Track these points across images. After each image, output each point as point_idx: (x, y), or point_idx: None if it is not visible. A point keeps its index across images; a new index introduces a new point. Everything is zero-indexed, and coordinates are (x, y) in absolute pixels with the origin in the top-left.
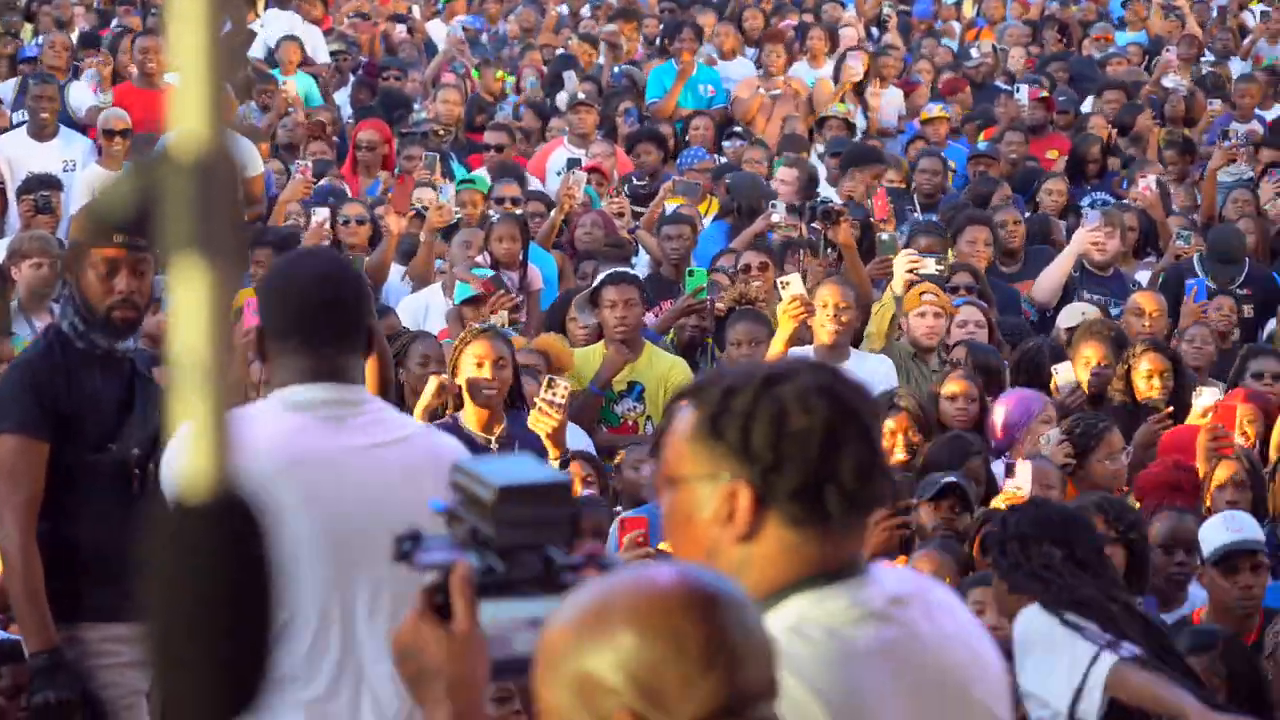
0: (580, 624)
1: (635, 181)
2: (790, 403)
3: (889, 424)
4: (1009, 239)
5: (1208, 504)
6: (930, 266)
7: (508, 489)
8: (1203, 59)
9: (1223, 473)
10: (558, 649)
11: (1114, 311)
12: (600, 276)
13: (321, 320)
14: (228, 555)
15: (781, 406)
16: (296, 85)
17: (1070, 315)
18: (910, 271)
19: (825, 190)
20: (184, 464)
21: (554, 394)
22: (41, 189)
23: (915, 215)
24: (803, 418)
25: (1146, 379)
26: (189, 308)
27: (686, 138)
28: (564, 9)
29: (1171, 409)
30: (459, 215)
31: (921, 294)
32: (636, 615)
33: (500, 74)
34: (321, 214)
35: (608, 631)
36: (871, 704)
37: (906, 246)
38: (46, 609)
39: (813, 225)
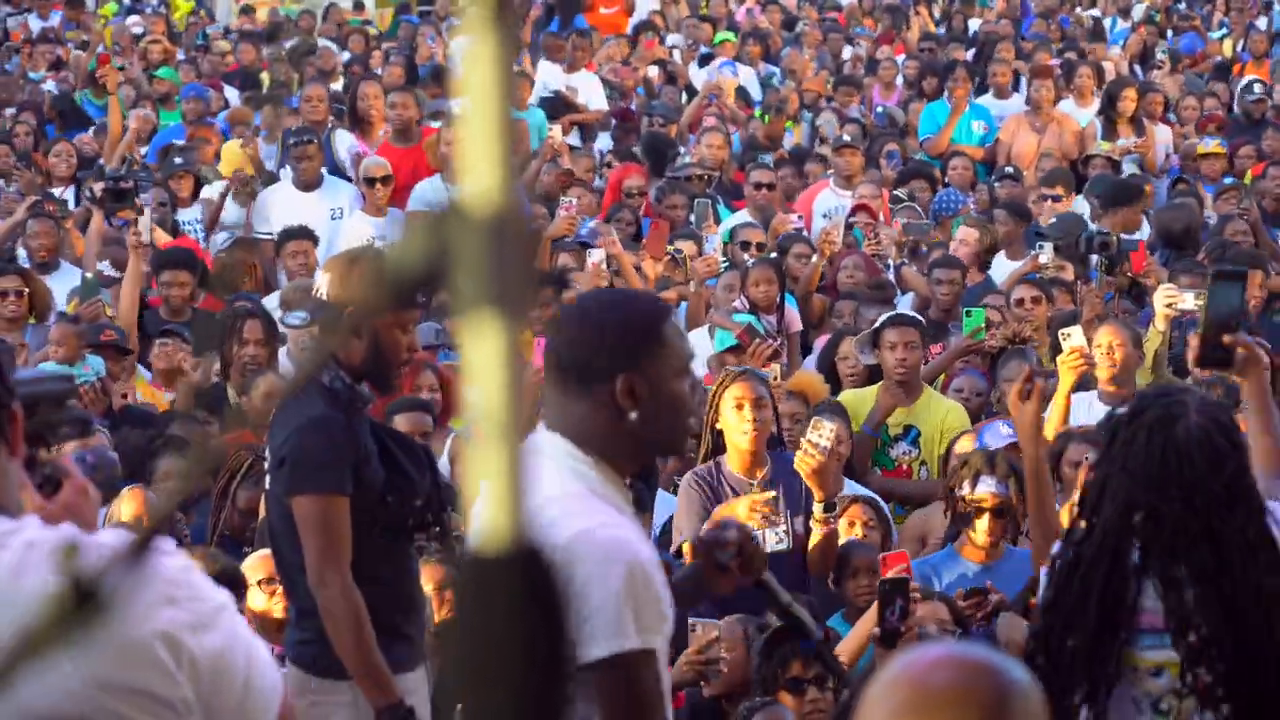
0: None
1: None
2: None
3: None
4: None
5: None
6: (1189, 301)
7: None
8: None
9: None
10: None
11: None
12: (883, 318)
13: None
14: (525, 606)
15: None
16: (559, 132)
17: None
18: (1169, 306)
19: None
20: (484, 517)
21: (819, 435)
22: (294, 240)
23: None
24: None
25: None
26: (485, 364)
27: (947, 179)
28: (824, 51)
29: None
30: (725, 264)
31: None
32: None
33: (790, 124)
34: (597, 255)
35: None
36: None
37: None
38: (384, 664)
39: (1091, 256)
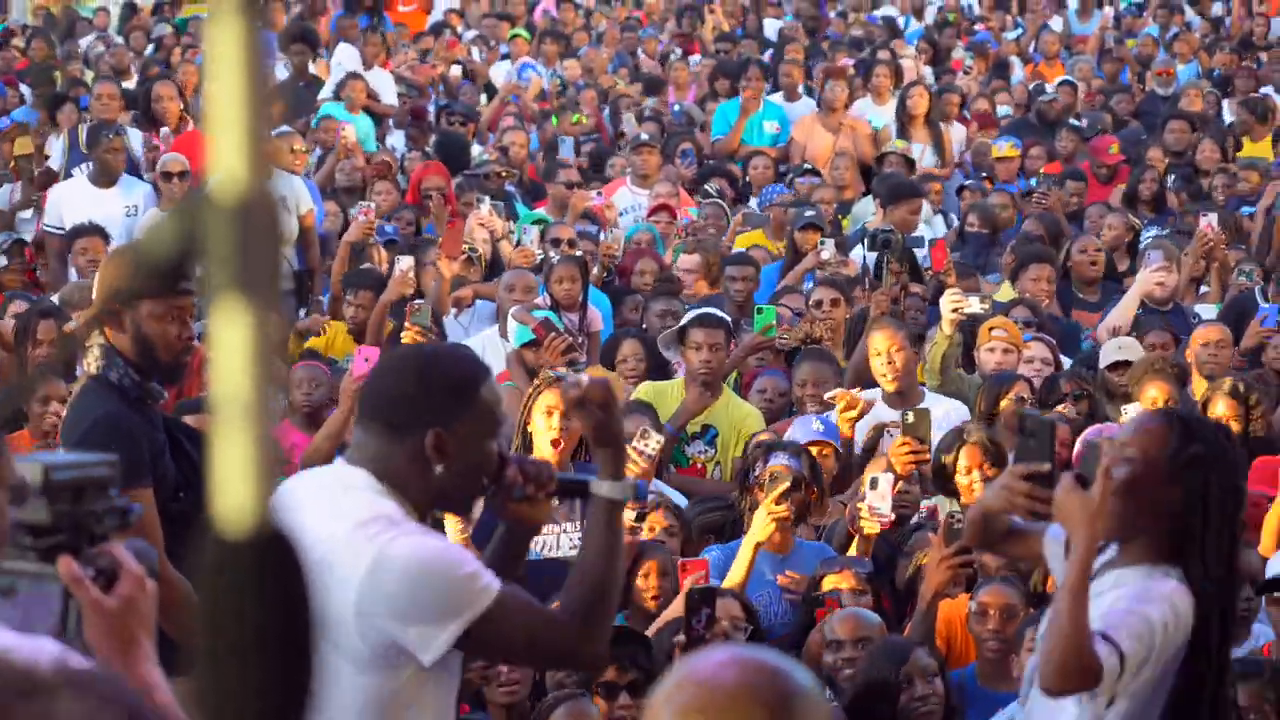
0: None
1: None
2: None
3: (962, 460)
4: (1088, 267)
5: None
6: (975, 305)
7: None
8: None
9: None
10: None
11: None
12: (688, 316)
13: None
14: (268, 587)
15: None
16: (356, 129)
17: (1110, 352)
18: (955, 310)
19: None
20: (227, 498)
21: (646, 444)
22: (84, 237)
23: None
24: None
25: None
26: (231, 347)
27: (748, 177)
28: (622, 50)
29: None
30: (541, 256)
31: (991, 329)
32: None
33: (577, 117)
34: (406, 262)
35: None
36: None
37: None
38: None
39: (871, 254)
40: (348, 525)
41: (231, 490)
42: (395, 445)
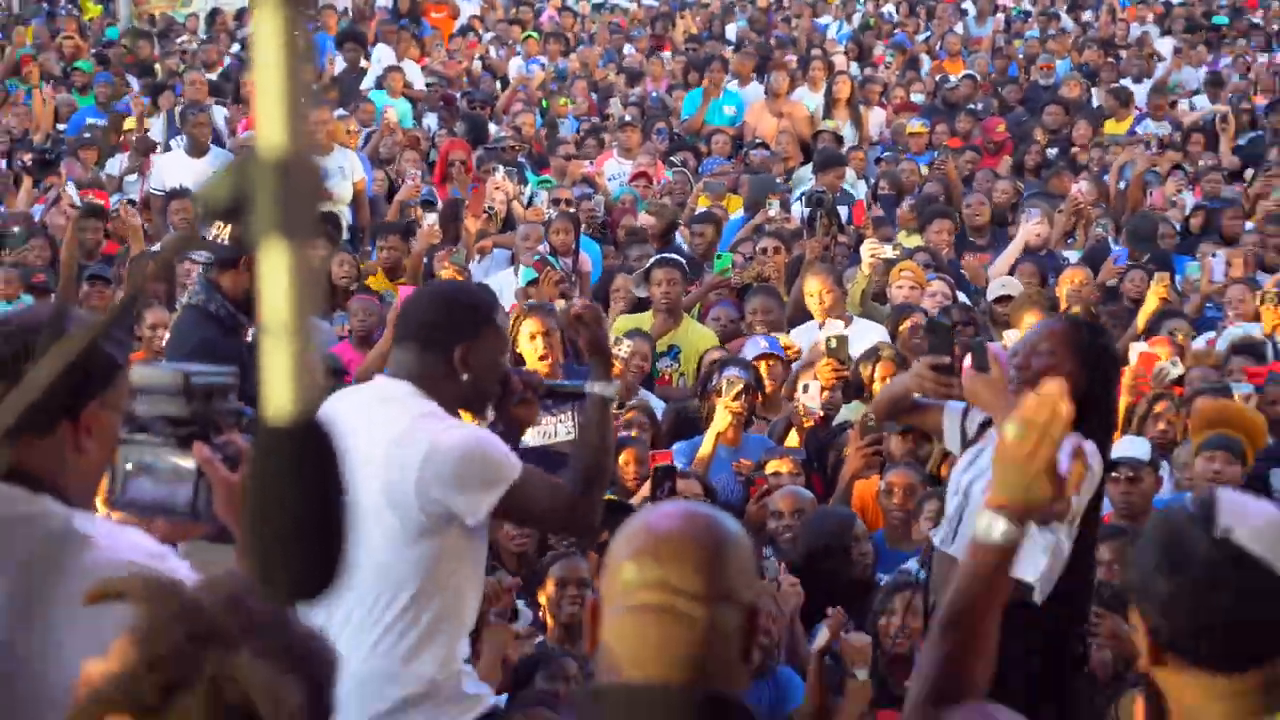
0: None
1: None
2: None
3: (877, 370)
4: (975, 218)
5: (1136, 430)
6: (888, 251)
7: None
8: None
9: (1159, 408)
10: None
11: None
12: (650, 260)
13: None
14: (305, 468)
15: None
16: (396, 110)
17: (995, 288)
18: (872, 256)
19: None
20: (273, 399)
21: (619, 349)
22: (177, 199)
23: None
24: None
25: None
26: (274, 278)
27: (709, 150)
28: (610, 48)
29: None
30: (550, 214)
31: (901, 270)
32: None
33: (564, 100)
34: (431, 217)
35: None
36: None
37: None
38: None
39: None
40: (407, 419)
41: (277, 392)
42: (430, 360)
